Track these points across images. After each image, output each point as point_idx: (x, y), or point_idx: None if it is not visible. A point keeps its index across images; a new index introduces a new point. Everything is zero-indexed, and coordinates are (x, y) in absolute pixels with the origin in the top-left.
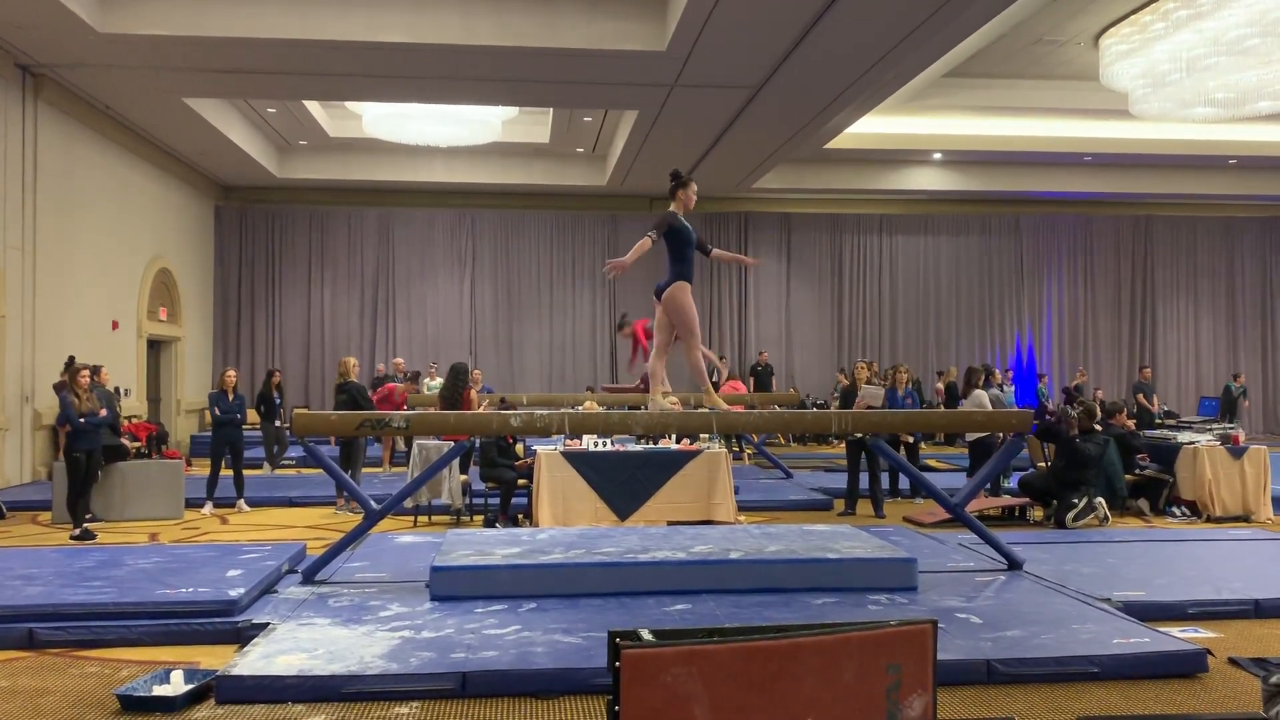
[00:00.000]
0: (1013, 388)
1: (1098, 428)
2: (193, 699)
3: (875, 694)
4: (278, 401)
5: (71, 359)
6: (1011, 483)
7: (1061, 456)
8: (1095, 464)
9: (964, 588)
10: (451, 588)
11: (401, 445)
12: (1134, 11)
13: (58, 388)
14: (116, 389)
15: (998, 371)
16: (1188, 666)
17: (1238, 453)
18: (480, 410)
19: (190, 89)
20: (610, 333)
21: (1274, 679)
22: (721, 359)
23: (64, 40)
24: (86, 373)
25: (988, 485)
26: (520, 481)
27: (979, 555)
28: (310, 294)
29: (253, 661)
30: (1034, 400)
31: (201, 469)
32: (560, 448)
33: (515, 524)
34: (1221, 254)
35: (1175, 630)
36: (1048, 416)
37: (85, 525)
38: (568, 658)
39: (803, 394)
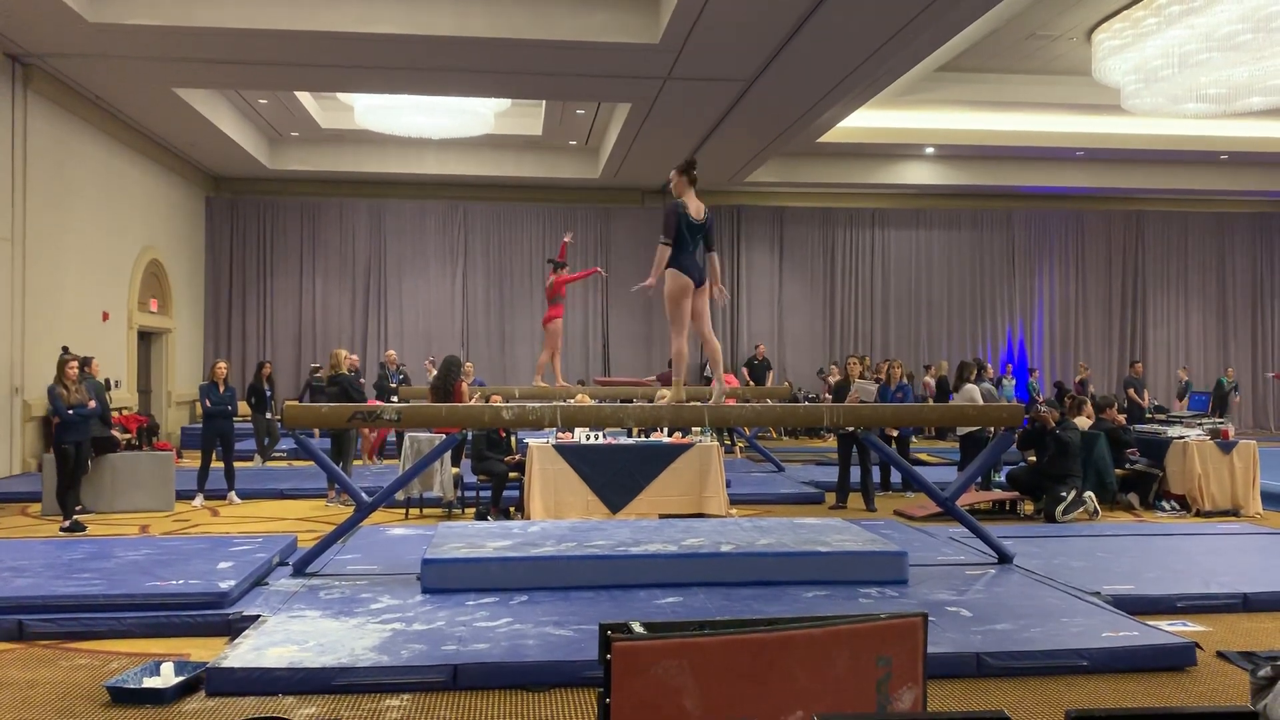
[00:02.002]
0: (1013, 380)
1: (1086, 420)
2: (183, 691)
3: (865, 686)
4: (268, 393)
5: (65, 349)
6: (1002, 477)
7: (1045, 451)
8: (1076, 453)
9: (954, 581)
10: (443, 580)
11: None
12: (1126, 7)
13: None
14: (107, 380)
15: (990, 366)
16: (1176, 660)
17: (1227, 447)
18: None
19: (181, 79)
20: (603, 326)
21: (1262, 672)
22: None
23: (54, 29)
24: (75, 364)
25: (978, 479)
26: (512, 475)
27: (969, 549)
28: (301, 286)
29: (243, 653)
30: (1026, 395)
31: (192, 461)
32: (552, 441)
33: (507, 517)
34: (1212, 249)
35: (1164, 624)
36: (1026, 426)
37: (75, 517)
38: (559, 650)
39: (795, 388)
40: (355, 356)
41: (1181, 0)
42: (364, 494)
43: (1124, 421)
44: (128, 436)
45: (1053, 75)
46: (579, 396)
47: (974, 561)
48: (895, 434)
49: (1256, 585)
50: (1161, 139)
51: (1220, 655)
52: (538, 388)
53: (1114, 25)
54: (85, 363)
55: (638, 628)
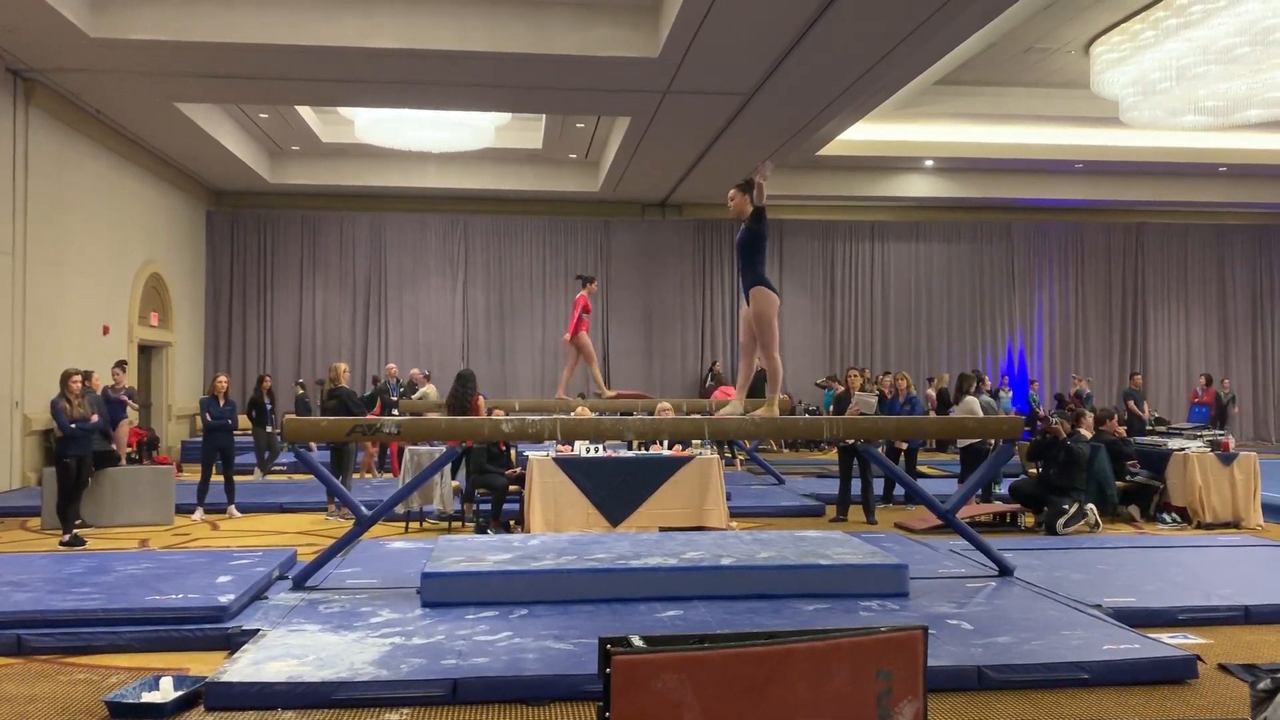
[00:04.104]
0: (1009, 393)
1: (1086, 432)
2: (182, 705)
3: (866, 700)
4: (268, 407)
5: (122, 362)
6: (1003, 489)
7: (1052, 462)
8: (1084, 466)
9: (955, 594)
10: (442, 594)
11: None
12: (1124, 20)
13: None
14: (130, 389)
15: (988, 379)
16: (1178, 672)
17: (1227, 459)
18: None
19: (182, 94)
20: (603, 340)
21: (1261, 685)
22: (715, 364)
23: (55, 45)
24: (78, 378)
25: (979, 491)
26: (512, 488)
27: (970, 561)
28: (302, 299)
29: (242, 668)
30: (1025, 407)
31: (192, 474)
32: (552, 453)
33: (507, 530)
34: (1212, 261)
35: (1165, 636)
36: (1037, 436)
37: (75, 531)
38: (559, 664)
39: (795, 400)
40: (415, 369)
41: (1179, 13)
42: (363, 508)
43: (1125, 434)
44: (128, 450)
45: (1051, 88)
46: (579, 410)
47: (975, 574)
48: (905, 446)
49: (1258, 597)
50: (1160, 151)
51: (1222, 668)
52: (538, 402)
53: (1112, 38)
54: (86, 376)
55: (637, 641)
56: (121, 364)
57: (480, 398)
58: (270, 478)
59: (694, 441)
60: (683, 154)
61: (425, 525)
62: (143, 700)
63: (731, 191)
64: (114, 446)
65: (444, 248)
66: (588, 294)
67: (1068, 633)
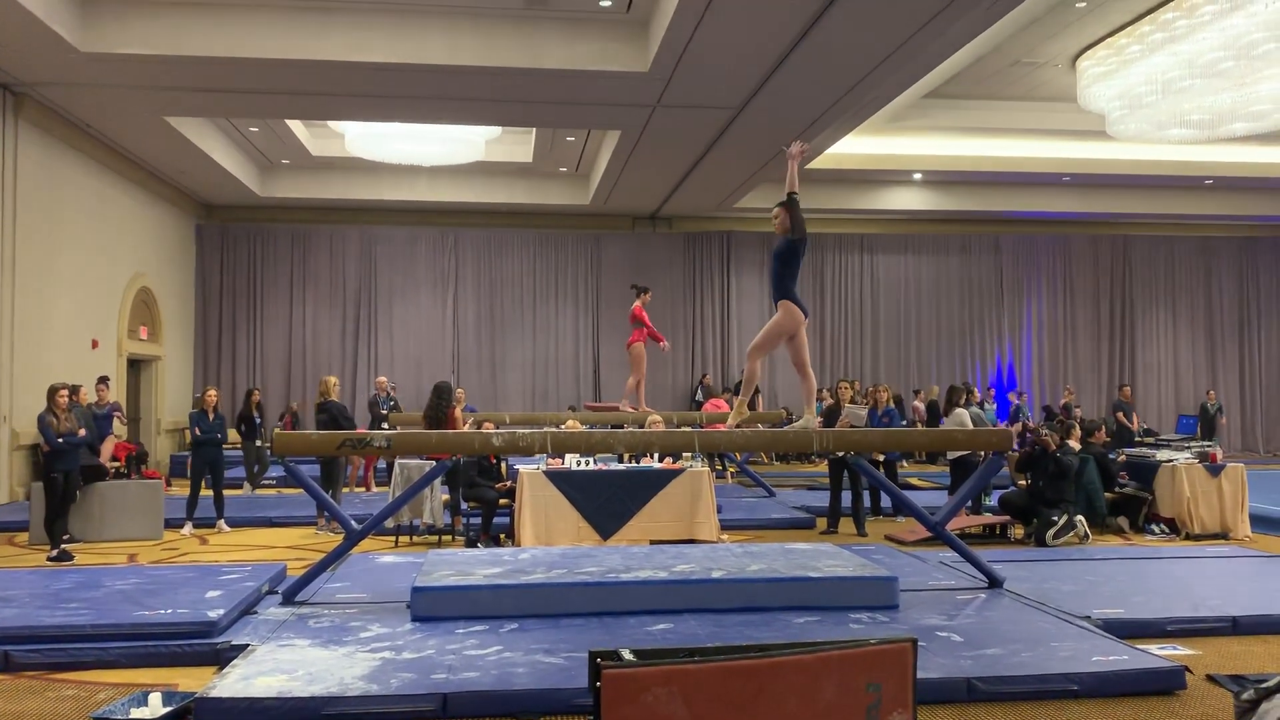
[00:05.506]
0: (994, 405)
1: (1075, 444)
2: None
3: (856, 712)
4: (258, 421)
5: (104, 379)
6: (992, 500)
7: (1042, 474)
8: (1074, 477)
9: (945, 606)
10: (433, 608)
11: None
12: (1110, 34)
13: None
14: (116, 404)
15: (976, 390)
16: (1166, 684)
17: (1215, 470)
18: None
19: (172, 108)
20: (593, 352)
21: (1245, 695)
22: (705, 377)
23: (45, 59)
24: (65, 392)
25: (969, 503)
26: (502, 501)
27: (960, 573)
28: (292, 313)
29: (232, 683)
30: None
31: (181, 489)
32: (543, 467)
33: (497, 544)
34: (1199, 273)
35: (1154, 647)
36: (1026, 448)
37: (63, 546)
38: (549, 678)
39: (788, 413)
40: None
41: (1165, 28)
42: (353, 521)
43: (1109, 440)
44: (116, 465)
45: (1038, 102)
46: (569, 423)
47: (964, 586)
48: (882, 457)
49: (1246, 608)
50: (1147, 164)
51: (1210, 679)
52: (529, 415)
53: (1098, 53)
54: (73, 390)
55: (628, 655)
56: (104, 379)
57: (456, 410)
58: (259, 492)
59: (684, 454)
60: (673, 167)
61: (415, 539)
62: (131, 716)
63: (775, 209)
64: (101, 461)
65: (434, 261)
66: (642, 304)
67: (1057, 644)
